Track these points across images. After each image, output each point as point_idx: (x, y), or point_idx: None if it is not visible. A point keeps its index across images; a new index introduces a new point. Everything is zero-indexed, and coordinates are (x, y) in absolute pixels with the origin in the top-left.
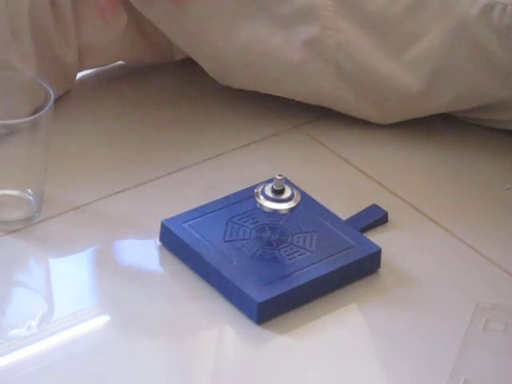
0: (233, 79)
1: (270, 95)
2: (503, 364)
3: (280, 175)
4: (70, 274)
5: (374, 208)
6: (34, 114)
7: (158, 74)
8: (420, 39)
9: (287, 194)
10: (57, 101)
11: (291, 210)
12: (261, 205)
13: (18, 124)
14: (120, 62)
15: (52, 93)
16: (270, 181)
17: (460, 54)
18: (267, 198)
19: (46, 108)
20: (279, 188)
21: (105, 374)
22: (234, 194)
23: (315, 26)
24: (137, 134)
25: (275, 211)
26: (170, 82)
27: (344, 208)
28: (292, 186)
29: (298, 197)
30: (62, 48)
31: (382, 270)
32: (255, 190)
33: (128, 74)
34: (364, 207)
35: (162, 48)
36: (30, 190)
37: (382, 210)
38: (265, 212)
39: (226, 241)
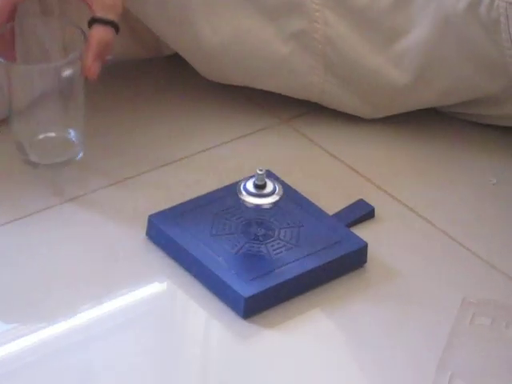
0: (219, 74)
1: (257, 89)
2: (490, 358)
3: (261, 170)
4: (54, 269)
5: (360, 203)
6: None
7: (145, 69)
8: (408, 33)
9: (269, 188)
10: None
11: (274, 204)
12: (243, 200)
13: (54, 67)
14: (108, 58)
15: (85, 34)
16: (253, 176)
17: (447, 48)
18: (249, 193)
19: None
20: (261, 183)
21: (92, 369)
22: (221, 189)
23: (303, 19)
24: (123, 129)
25: (258, 206)
26: (158, 77)
27: (331, 203)
28: (275, 179)
29: (280, 191)
30: None
31: (369, 264)
32: (237, 186)
33: (116, 69)
34: (351, 202)
35: (150, 44)
36: (71, 131)
37: (369, 205)
38: (248, 207)
39: (212, 235)
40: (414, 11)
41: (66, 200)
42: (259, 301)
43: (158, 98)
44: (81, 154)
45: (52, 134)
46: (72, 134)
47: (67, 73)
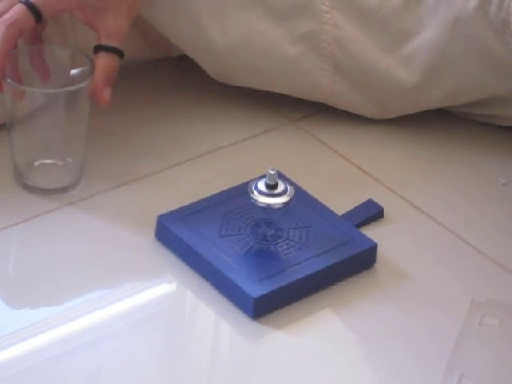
0: (228, 75)
1: (265, 90)
2: (499, 359)
3: (273, 170)
4: (62, 270)
5: (369, 203)
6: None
7: (154, 69)
8: (417, 34)
9: (281, 188)
10: None
11: (285, 204)
12: (254, 200)
13: (59, 93)
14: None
15: (93, 63)
16: (264, 176)
17: (456, 48)
18: (261, 192)
19: (88, 79)
20: (272, 183)
21: (101, 370)
22: (230, 190)
23: (312, 21)
24: (132, 130)
25: (269, 206)
26: (166, 78)
27: (340, 203)
28: (286, 180)
29: (291, 191)
30: None
31: (378, 265)
32: (249, 185)
33: (124, 70)
34: (360, 202)
35: (159, 45)
36: (69, 159)
37: (378, 205)
38: (259, 207)
39: (221, 236)
40: (423, 12)
41: (74, 201)
42: (268, 301)
43: (167, 98)
44: (78, 183)
45: (49, 161)
46: (70, 162)
47: (72, 99)
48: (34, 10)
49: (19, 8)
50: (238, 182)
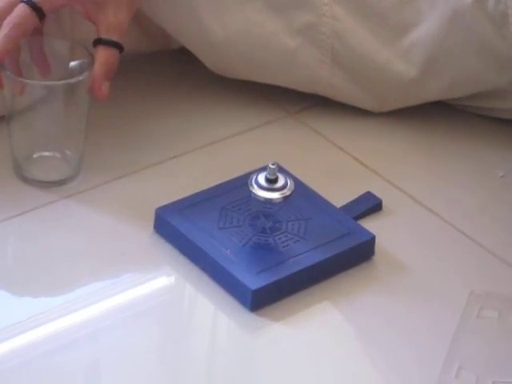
0: (227, 68)
1: (264, 83)
2: (497, 351)
3: (273, 164)
4: (60, 262)
5: (368, 195)
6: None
7: (152, 62)
8: (416, 27)
9: (281, 182)
10: None
11: (285, 198)
12: (254, 194)
13: (58, 85)
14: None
15: (92, 56)
16: (264, 169)
17: (455, 41)
18: (260, 186)
19: (87, 72)
20: (272, 177)
21: (100, 363)
22: (228, 182)
23: (311, 13)
24: (132, 122)
25: (268, 200)
26: (165, 70)
27: (338, 195)
28: (286, 174)
29: (291, 185)
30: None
31: (376, 257)
32: (248, 179)
33: (123, 62)
34: (358, 195)
35: (157, 37)
36: (68, 152)
37: (377, 197)
38: (258, 200)
39: (220, 228)
40: (422, 5)
41: (73, 194)
42: (267, 293)
43: (165, 91)
44: (77, 176)
45: (48, 154)
46: (69, 154)
47: (71, 92)
48: (35, 8)
49: (23, 9)
50: (236, 174)
